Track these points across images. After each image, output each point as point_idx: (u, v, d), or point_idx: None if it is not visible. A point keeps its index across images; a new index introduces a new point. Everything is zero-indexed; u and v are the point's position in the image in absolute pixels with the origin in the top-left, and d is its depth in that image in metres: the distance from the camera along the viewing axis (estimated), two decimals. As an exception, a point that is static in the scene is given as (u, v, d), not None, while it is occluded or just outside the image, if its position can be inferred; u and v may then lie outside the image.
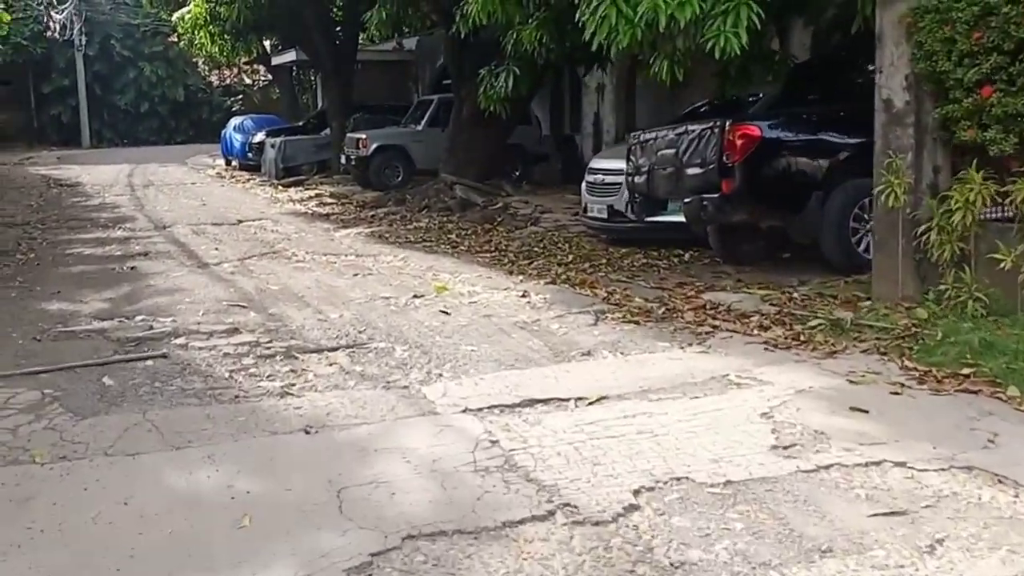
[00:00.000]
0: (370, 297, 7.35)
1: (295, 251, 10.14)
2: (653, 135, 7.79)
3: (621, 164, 9.68)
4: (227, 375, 5.13)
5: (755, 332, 5.77)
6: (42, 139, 37.43)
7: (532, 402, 4.49)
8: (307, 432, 4.13)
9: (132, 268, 9.00)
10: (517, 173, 17.76)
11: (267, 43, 26.25)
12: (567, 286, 7.52)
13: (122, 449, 3.93)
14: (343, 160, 18.42)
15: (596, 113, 18.28)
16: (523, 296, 7.15)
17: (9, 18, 27.94)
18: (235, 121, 26.67)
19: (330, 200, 16.45)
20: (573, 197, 14.44)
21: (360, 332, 6.16)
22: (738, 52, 6.07)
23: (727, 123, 6.92)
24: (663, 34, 6.39)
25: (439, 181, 15.17)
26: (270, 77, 40.81)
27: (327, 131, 21.57)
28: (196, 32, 21.91)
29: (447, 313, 6.67)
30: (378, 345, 5.80)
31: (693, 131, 7.24)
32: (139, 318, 6.66)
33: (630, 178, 8.10)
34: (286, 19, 20.58)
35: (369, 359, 5.48)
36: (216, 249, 10.29)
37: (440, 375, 5.02)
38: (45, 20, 33.73)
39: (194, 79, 40.48)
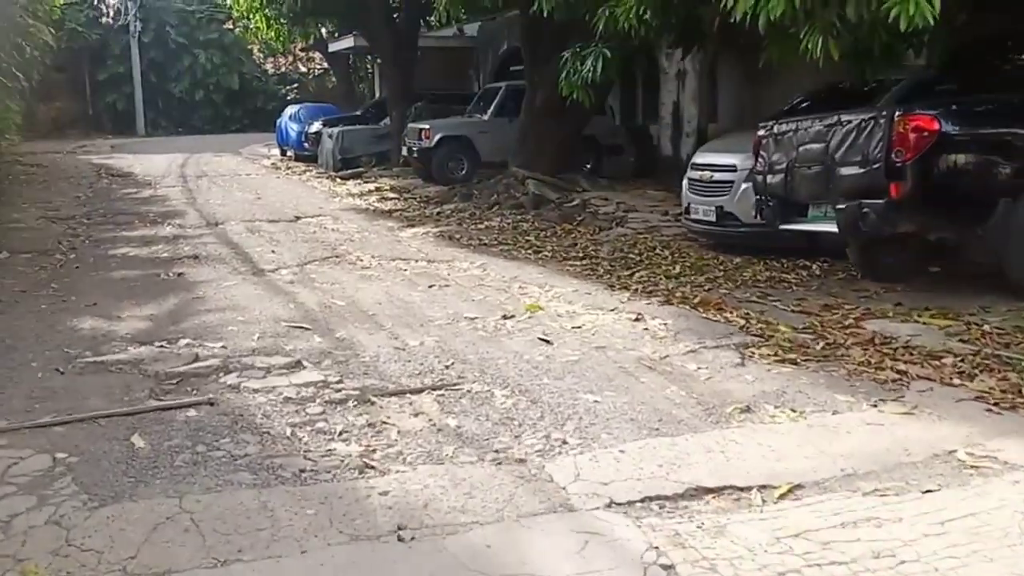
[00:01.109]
0: (452, 317, 6.20)
1: (359, 255, 9.03)
2: (792, 126, 6.50)
3: (732, 159, 8.43)
4: (288, 432, 4.00)
5: (956, 381, 4.49)
6: (97, 127, 37.03)
7: (700, 492, 3.29)
8: (400, 538, 2.98)
9: (179, 275, 7.96)
10: (589, 166, 16.52)
11: (324, 29, 25.30)
12: (686, 307, 6.28)
13: (147, 564, 2.80)
14: (404, 152, 17.32)
15: (676, 102, 16.89)
16: (637, 320, 5.93)
17: (62, 2, 27.31)
18: (291, 110, 25.77)
19: (391, 195, 15.36)
20: (655, 193, 13.23)
21: (447, 367, 5.01)
22: (931, 22, 4.77)
23: (896, 112, 5.61)
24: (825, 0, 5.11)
25: (509, 175, 13.97)
26: (326, 65, 40.04)
27: (386, 121, 20.53)
28: (252, 16, 21.01)
29: (548, 342, 5.48)
30: (472, 387, 4.64)
31: (849, 122, 5.94)
32: (183, 343, 5.57)
33: (760, 177, 6.82)
34: (344, 3, 19.56)
35: (464, 408, 4.32)
36: (272, 252, 9.22)
37: (563, 441, 3.82)
38: (99, 5, 33.21)
39: (249, 67, 39.89)
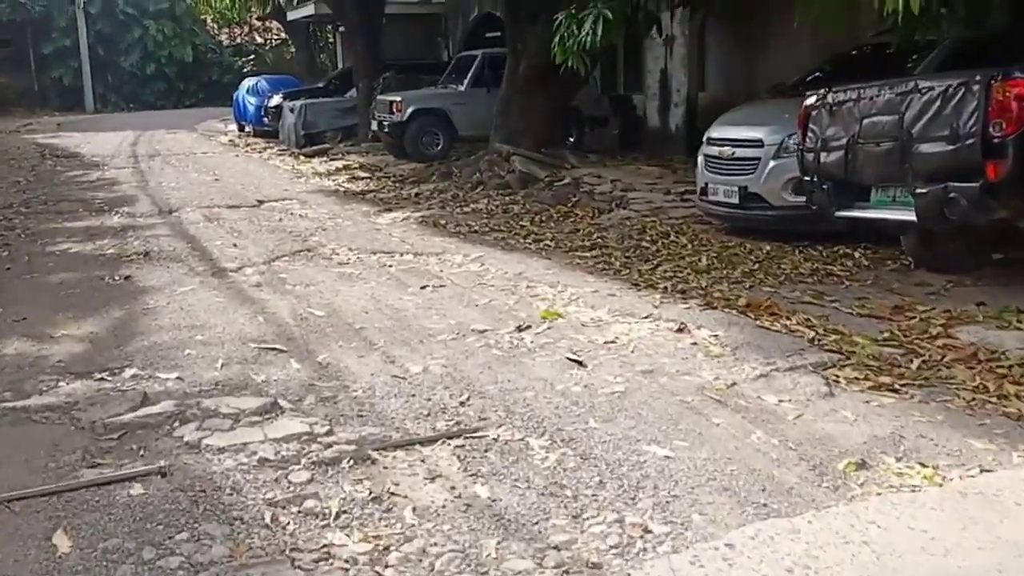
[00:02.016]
0: (456, 329, 5.18)
1: (335, 247, 7.95)
2: (853, 95, 5.50)
3: (757, 133, 7.47)
4: (268, 517, 2.98)
5: (1113, 415, 3.56)
6: (44, 103, 35.24)
7: (863, 619, 2.31)
8: None
9: (126, 278, 6.83)
10: (572, 139, 15.52)
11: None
12: (733, 312, 5.31)
13: None
14: (373, 126, 16.15)
15: (663, 70, 15.90)
16: (680, 331, 4.95)
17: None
18: (248, 83, 24.38)
19: (362, 174, 14.22)
20: (649, 169, 12.28)
21: (462, 403, 4.00)
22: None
23: (994, 77, 4.64)
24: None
25: (492, 151, 12.89)
26: (284, 35, 38.45)
27: (352, 93, 19.28)
28: (204, -17, 19.57)
29: (580, 363, 4.49)
30: (499, 433, 3.64)
31: (930, 89, 4.96)
32: (128, 373, 4.50)
33: (810, 155, 5.84)
34: (305, -34, 18.25)
35: (493, 466, 3.33)
36: (235, 245, 8.10)
37: (644, 529, 2.84)
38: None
39: (203, 38, 38.24)
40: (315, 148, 17.54)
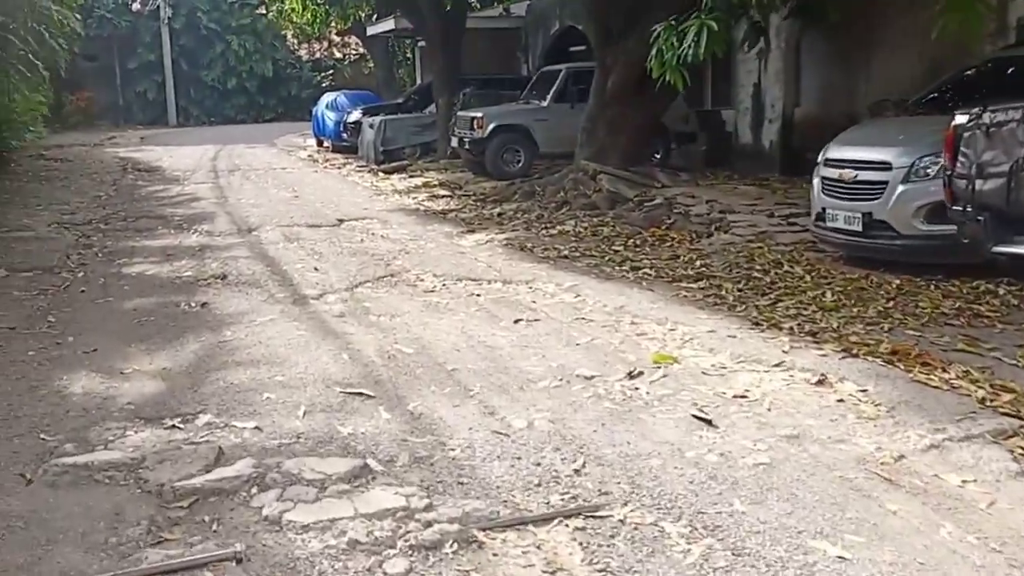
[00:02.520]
0: (558, 374, 4.63)
1: (419, 272, 7.49)
2: (1017, 114, 4.81)
3: (884, 154, 6.78)
4: (362, 624, 2.45)
5: None
6: (128, 117, 35.91)
7: None
8: None
9: (203, 305, 6.45)
10: (657, 156, 14.86)
11: (362, 11, 23.77)
12: (878, 360, 4.65)
13: None
14: (453, 143, 15.75)
15: (756, 83, 15.16)
16: (821, 383, 4.32)
17: (88, -13, 26.10)
18: (327, 98, 24.28)
19: (442, 192, 13.80)
20: (747, 189, 11.57)
21: (577, 471, 3.45)
22: None
23: None
24: None
25: (576, 169, 12.35)
26: (363, 50, 38.57)
27: (431, 109, 18.97)
28: (286, -2, 19.51)
29: (708, 421, 3.90)
30: (625, 514, 3.08)
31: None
32: (202, 421, 4.06)
33: (962, 183, 5.14)
34: (386, -20, 18.03)
35: (625, 561, 2.78)
36: (316, 269, 7.70)
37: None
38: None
39: (283, 53, 38.53)
40: (394, 164, 17.23)
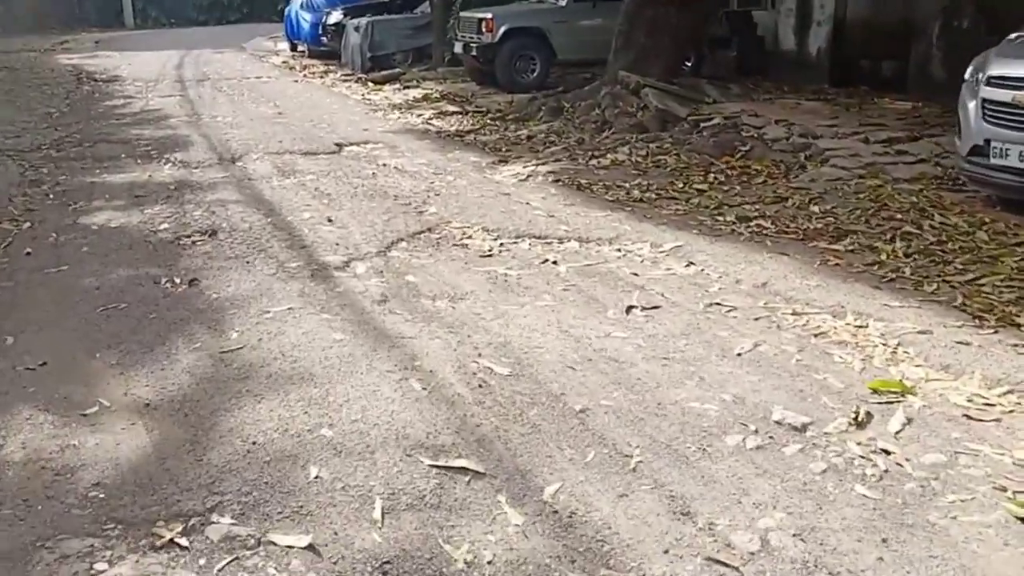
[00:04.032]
0: (745, 417, 3.10)
1: (464, 225, 5.84)
2: None
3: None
4: None
5: None
6: (81, 20, 32.97)
7: None
8: None
9: (191, 282, 4.77)
10: (688, 63, 13.05)
11: None
12: None
13: None
14: (457, 48, 13.80)
15: (803, -20, 13.27)
16: None
17: None
18: (302, -4, 21.89)
19: (450, 108, 11.95)
20: (810, 105, 9.95)
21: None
22: None
23: None
24: None
25: (612, 81, 10.57)
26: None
27: (424, 8, 16.90)
28: None
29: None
30: None
31: None
32: (217, 534, 2.49)
33: None
34: None
35: None
36: (330, 220, 6.01)
37: None
38: None
39: (247, -53, 35.50)
40: (385, 73, 15.26)
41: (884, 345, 3.68)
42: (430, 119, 11.08)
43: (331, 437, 3.00)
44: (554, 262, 5.06)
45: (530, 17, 13.04)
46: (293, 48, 21.96)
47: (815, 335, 3.84)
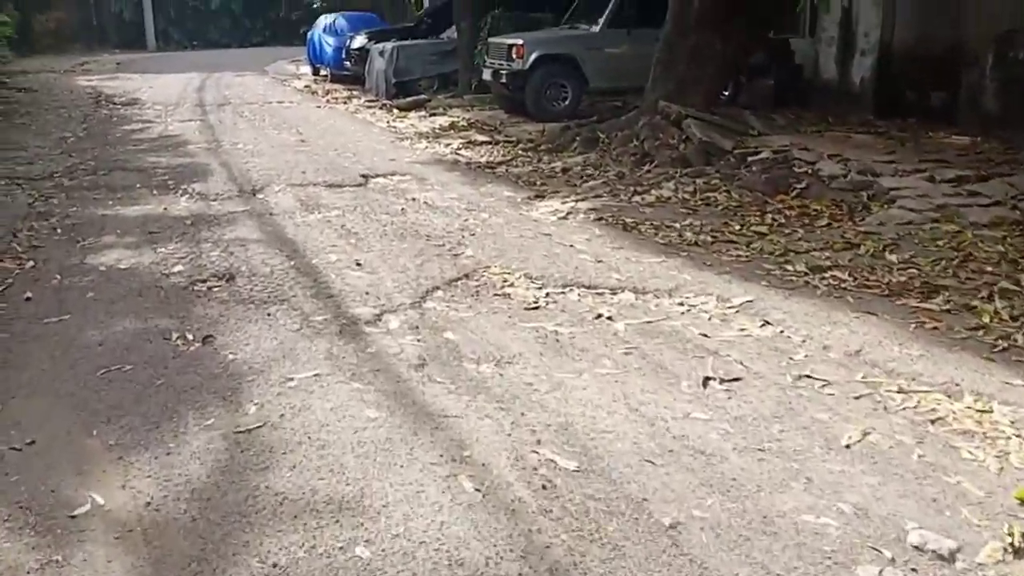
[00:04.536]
0: (875, 538, 2.50)
1: (504, 271, 5.31)
2: None
3: None
4: None
5: None
6: (102, 40, 32.96)
7: None
8: None
9: (205, 340, 4.24)
10: (726, 93, 12.52)
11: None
12: None
13: None
14: (485, 75, 13.33)
15: (846, 7, 12.75)
16: None
17: None
18: (325, 20, 21.63)
19: (479, 137, 11.47)
20: (862, 138, 9.48)
21: None
22: None
23: None
24: None
25: (649, 110, 10.05)
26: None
27: (449, 34, 16.47)
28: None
29: None
30: None
31: None
32: None
33: None
34: None
35: None
36: (359, 264, 5.49)
37: None
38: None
39: (270, -30, 35.47)
40: (411, 100, 14.82)
41: (1018, 437, 3.10)
42: (459, 149, 10.59)
43: (368, 559, 2.44)
44: (609, 318, 4.50)
45: (562, 44, 12.57)
46: (315, 72, 21.66)
47: (932, 421, 3.26)
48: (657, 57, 10.34)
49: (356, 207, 7.27)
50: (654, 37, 11.77)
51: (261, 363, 3.90)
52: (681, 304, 4.71)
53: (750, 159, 8.62)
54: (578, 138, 10.29)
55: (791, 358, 3.92)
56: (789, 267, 5.30)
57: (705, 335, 4.23)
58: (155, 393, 3.62)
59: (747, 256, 5.62)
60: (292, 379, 3.72)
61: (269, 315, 4.54)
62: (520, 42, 12.33)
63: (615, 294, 4.91)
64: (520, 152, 10.18)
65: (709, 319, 4.48)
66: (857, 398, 3.49)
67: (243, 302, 4.76)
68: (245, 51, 31.56)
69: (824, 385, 3.62)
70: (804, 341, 4.12)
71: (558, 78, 12.45)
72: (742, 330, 4.31)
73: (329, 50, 19.99)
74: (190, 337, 4.24)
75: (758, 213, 6.79)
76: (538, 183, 8.44)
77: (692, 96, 9.98)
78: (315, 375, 3.75)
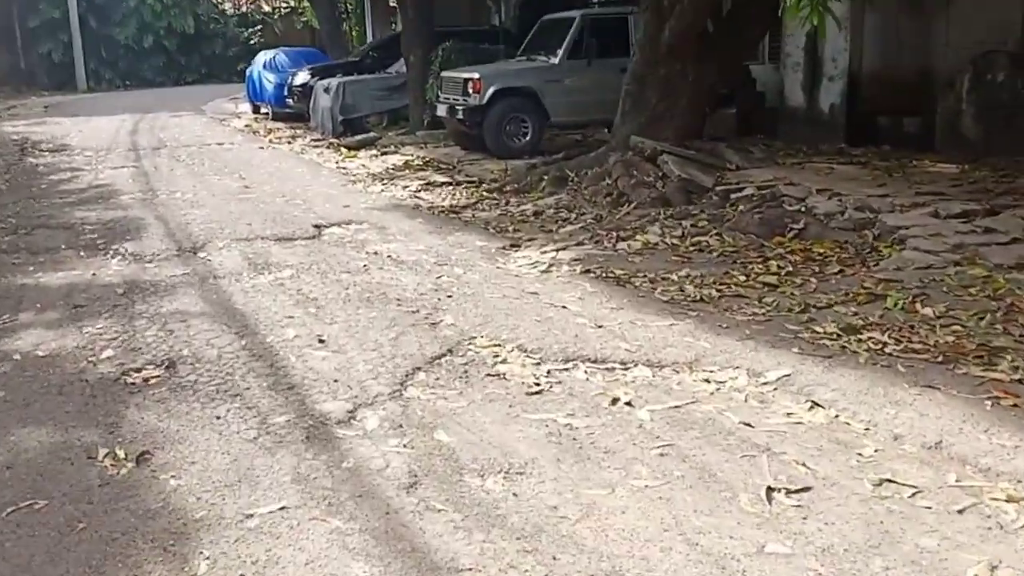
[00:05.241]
0: None
1: (493, 343, 4.59)
2: None
3: None
4: None
5: None
6: (32, 82, 31.58)
7: None
8: None
9: (139, 459, 3.42)
10: (690, 124, 11.96)
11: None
12: None
13: None
14: (440, 111, 12.64)
15: (810, 33, 12.31)
16: None
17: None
18: (264, 57, 20.82)
19: (438, 178, 10.77)
20: (845, 169, 9.16)
21: None
22: None
23: None
24: None
25: (619, 146, 9.46)
26: (291, 2, 34.87)
27: (397, 68, 15.78)
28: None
29: None
30: None
31: None
32: None
33: None
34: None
35: None
36: (322, 340, 4.71)
37: None
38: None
39: (204, 7, 34.57)
40: (360, 138, 14.07)
41: None
42: (418, 192, 9.87)
43: None
44: (628, 403, 3.80)
45: (521, 76, 11.96)
46: (256, 110, 20.81)
47: (1065, 546, 2.60)
48: (626, 89, 9.77)
49: (311, 264, 6.49)
50: (616, 68, 11.28)
51: (211, 492, 3.10)
52: (707, 381, 4.03)
53: (734, 196, 8.05)
54: (546, 177, 9.64)
55: (860, 454, 3.25)
56: (817, 328, 4.65)
57: (747, 424, 3.54)
58: (75, 544, 2.81)
59: (764, 314, 4.97)
60: (251, 515, 2.93)
61: (218, 418, 3.73)
62: (477, 76, 11.68)
63: (627, 369, 4.21)
64: (485, 194, 9.50)
65: (745, 400, 3.79)
66: (961, 512, 2.83)
67: (186, 400, 3.95)
68: (181, 89, 30.48)
69: (914, 494, 2.95)
70: (868, 430, 3.45)
71: (518, 112, 11.82)
72: (789, 415, 3.63)
73: (270, 87, 19.17)
74: (121, 455, 3.42)
75: (759, 259, 6.17)
76: (510, 229, 7.75)
77: (665, 130, 9.44)
78: (281, 508, 2.97)
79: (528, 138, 11.85)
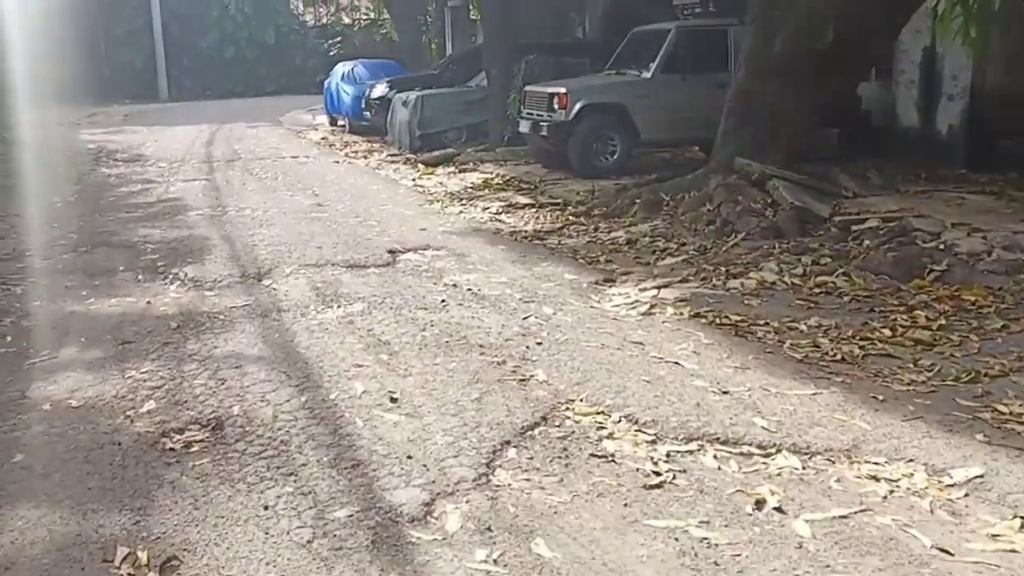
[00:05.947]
0: None
1: (595, 412, 3.83)
2: None
3: None
4: None
5: None
6: (114, 90, 31.88)
7: None
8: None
9: (168, 566, 2.71)
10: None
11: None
12: None
13: None
14: (523, 127, 11.93)
15: (927, 49, 11.29)
16: None
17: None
18: (343, 68, 20.39)
19: (520, 199, 10.04)
20: (977, 199, 8.19)
21: None
22: None
23: None
24: None
25: (722, 169, 8.60)
26: (373, 15, 34.66)
27: (478, 81, 15.15)
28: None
29: None
30: None
31: None
32: None
33: None
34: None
35: None
36: (393, 399, 3.98)
37: None
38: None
39: (285, 18, 34.57)
40: (438, 154, 13.43)
41: None
42: (498, 214, 9.15)
43: None
44: (778, 508, 2.98)
45: (610, 91, 11.17)
46: (333, 123, 20.42)
47: None
48: (729, 107, 8.91)
49: (384, 298, 5.81)
50: (712, 83, 10.46)
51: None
52: (875, 479, 3.18)
53: (856, 229, 7.14)
54: (638, 200, 8.84)
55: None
56: (1000, 406, 3.76)
57: (944, 551, 2.69)
58: None
59: (925, 382, 4.09)
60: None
61: (266, 508, 3.03)
62: (563, 90, 10.94)
63: (767, 455, 3.39)
64: (571, 218, 8.73)
65: (932, 512, 2.94)
66: None
67: (230, 479, 3.26)
68: (261, 100, 30.43)
69: None
70: (1116, 570, 2.56)
71: (606, 130, 11.04)
72: (994, 537, 2.77)
73: (347, 99, 18.73)
74: (143, 559, 2.73)
75: (901, 308, 5.28)
76: (602, 260, 6.97)
77: (772, 152, 8.56)
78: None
79: (615, 157, 11.06)
